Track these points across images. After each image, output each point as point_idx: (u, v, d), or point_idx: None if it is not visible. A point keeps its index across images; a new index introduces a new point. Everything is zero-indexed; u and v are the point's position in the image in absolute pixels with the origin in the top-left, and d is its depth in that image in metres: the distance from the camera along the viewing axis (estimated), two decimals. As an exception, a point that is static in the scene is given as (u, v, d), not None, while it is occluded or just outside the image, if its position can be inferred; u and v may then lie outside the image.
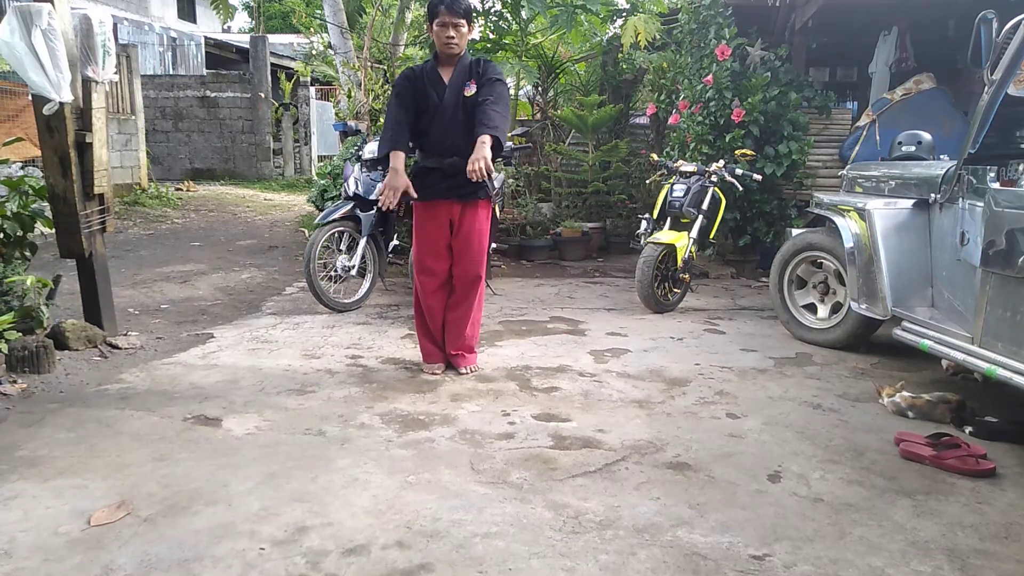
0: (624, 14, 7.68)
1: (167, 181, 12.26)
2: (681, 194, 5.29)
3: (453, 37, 3.46)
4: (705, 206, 5.34)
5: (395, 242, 5.50)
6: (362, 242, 5.03)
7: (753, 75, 6.22)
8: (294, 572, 1.99)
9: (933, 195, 3.71)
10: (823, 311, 4.42)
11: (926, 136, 4.43)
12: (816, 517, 2.32)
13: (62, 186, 3.86)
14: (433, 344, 3.77)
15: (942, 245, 3.64)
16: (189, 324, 4.68)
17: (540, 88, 8.35)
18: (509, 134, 5.96)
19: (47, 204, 3.99)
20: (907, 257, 3.78)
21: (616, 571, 2.01)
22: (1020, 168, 3.04)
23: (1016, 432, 2.97)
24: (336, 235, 5.04)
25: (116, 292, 4.62)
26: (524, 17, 7.59)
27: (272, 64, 15.07)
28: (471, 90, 3.51)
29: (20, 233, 3.97)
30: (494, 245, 5.81)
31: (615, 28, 8.02)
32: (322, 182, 7.19)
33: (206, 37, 17.64)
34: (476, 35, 7.39)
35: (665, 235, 5.17)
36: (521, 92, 8.67)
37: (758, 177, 5.61)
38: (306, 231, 8.03)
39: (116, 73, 4.29)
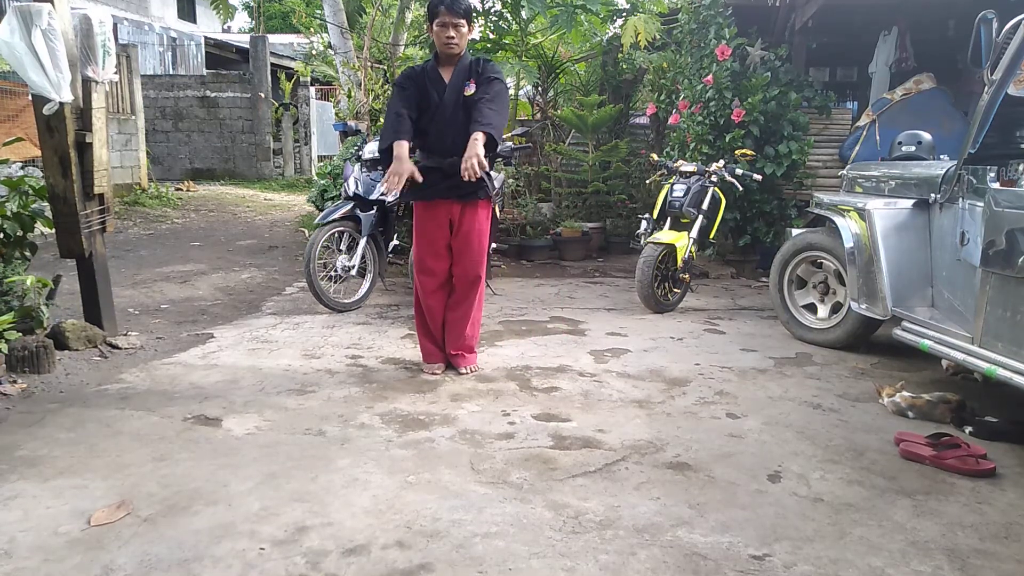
0: (624, 14, 7.68)
1: (167, 181, 12.26)
2: (681, 194, 5.29)
3: (453, 37, 3.46)
4: (705, 206, 5.34)
5: (395, 242, 5.49)
6: (362, 242, 5.03)
7: (753, 75, 6.22)
8: (294, 572, 1.99)
9: (933, 195, 3.71)
10: (823, 311, 4.42)
11: (926, 136, 4.43)
12: (816, 517, 2.32)
13: (62, 186, 3.86)
14: (433, 344, 3.77)
15: (942, 245, 3.64)
16: (189, 324, 4.68)
17: (540, 88, 8.35)
18: (509, 134, 5.97)
19: (47, 204, 3.99)
20: (907, 257, 3.78)
21: (616, 571, 2.01)
22: (1020, 168, 3.04)
23: (1016, 432, 2.97)
24: (336, 235, 5.04)
25: (116, 292, 4.62)
26: (524, 17, 7.59)
27: (272, 64, 15.07)
28: (471, 90, 3.51)
29: (20, 233, 3.97)
30: (494, 245, 5.81)
31: (615, 28, 8.02)
32: (322, 182, 7.19)
33: (206, 37, 17.64)
34: (476, 35, 7.39)
35: (665, 235, 5.17)
36: (521, 92, 8.67)
37: (758, 177, 5.61)
38: (306, 231, 8.03)
39: (116, 73, 4.29)
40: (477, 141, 3.29)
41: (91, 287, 4.11)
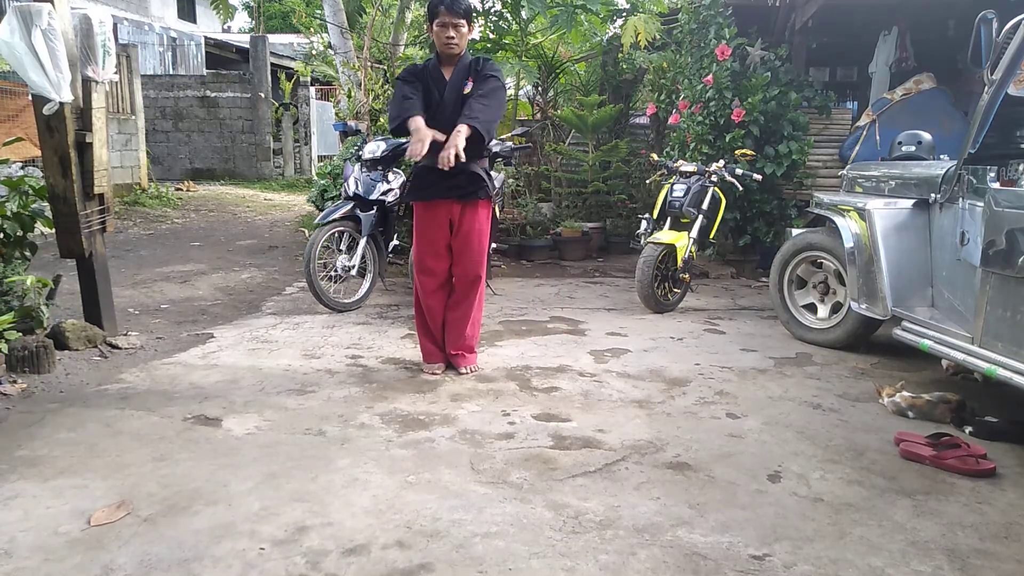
0: (624, 14, 7.68)
1: (167, 181, 12.26)
2: (681, 194, 5.29)
3: (453, 37, 3.47)
4: (705, 206, 5.34)
5: (395, 242, 5.50)
6: (362, 242, 5.03)
7: (753, 75, 6.22)
8: (294, 572, 1.99)
9: (933, 195, 3.71)
10: (823, 311, 4.42)
11: (926, 136, 4.43)
12: (816, 517, 2.32)
13: (62, 186, 3.86)
14: (433, 344, 3.77)
15: (942, 245, 3.64)
16: (189, 324, 4.68)
17: (540, 88, 8.35)
18: (509, 134, 5.97)
19: (47, 204, 3.99)
20: (907, 257, 3.78)
21: (616, 571, 2.01)
22: (1020, 168, 3.04)
23: (1016, 432, 2.97)
24: (336, 235, 5.04)
25: (116, 292, 4.62)
26: (524, 17, 7.59)
27: (272, 64, 15.07)
28: (469, 88, 3.52)
29: (20, 233, 3.97)
30: (494, 245, 5.81)
31: (615, 28, 8.03)
32: (322, 182, 7.19)
33: (206, 37, 17.65)
34: (476, 35, 7.40)
35: (665, 235, 5.17)
36: (521, 92, 8.67)
37: (758, 177, 5.61)
38: (306, 231, 8.03)
39: (116, 73, 4.29)
40: (460, 133, 3.30)
41: (91, 287, 4.11)
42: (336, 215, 4.99)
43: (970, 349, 3.15)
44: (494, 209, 4.85)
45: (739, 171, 5.51)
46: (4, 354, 3.55)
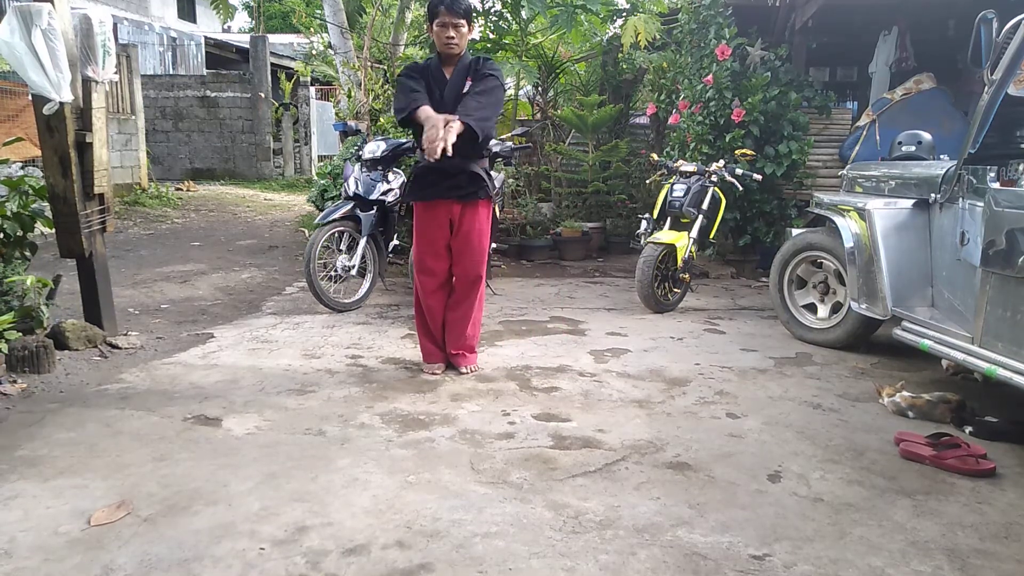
0: (624, 14, 7.68)
1: (167, 181, 12.26)
2: (681, 194, 5.29)
3: (453, 37, 3.47)
4: (705, 206, 5.34)
5: (395, 242, 5.50)
6: (362, 242, 5.03)
7: (753, 75, 6.22)
8: (294, 572, 1.99)
9: (933, 195, 3.71)
10: (823, 311, 4.42)
11: (926, 136, 4.43)
12: (816, 517, 2.32)
13: (62, 186, 3.86)
14: (433, 344, 3.77)
15: (942, 245, 3.64)
16: (189, 324, 4.68)
17: (540, 88, 8.35)
18: (509, 134, 5.97)
19: (47, 204, 3.99)
20: (907, 257, 3.78)
21: (616, 571, 2.01)
22: (1020, 168, 3.04)
23: (1016, 432, 2.97)
24: (336, 235, 5.04)
25: (116, 292, 4.62)
26: (524, 17, 7.59)
27: (272, 64, 15.08)
28: (468, 87, 3.52)
29: (20, 233, 3.97)
30: (494, 245, 5.81)
31: (615, 28, 8.03)
32: (322, 182, 7.19)
33: (206, 37, 17.64)
34: (476, 35, 7.40)
35: (665, 235, 5.17)
36: (521, 92, 8.67)
37: (758, 177, 5.61)
38: (306, 231, 8.03)
39: (116, 73, 4.29)
40: (452, 128, 3.28)
41: (91, 287, 4.11)
42: (336, 215, 4.99)
43: (970, 349, 3.15)
44: (494, 209, 4.85)
45: (739, 171, 5.51)
46: (4, 354, 3.55)
